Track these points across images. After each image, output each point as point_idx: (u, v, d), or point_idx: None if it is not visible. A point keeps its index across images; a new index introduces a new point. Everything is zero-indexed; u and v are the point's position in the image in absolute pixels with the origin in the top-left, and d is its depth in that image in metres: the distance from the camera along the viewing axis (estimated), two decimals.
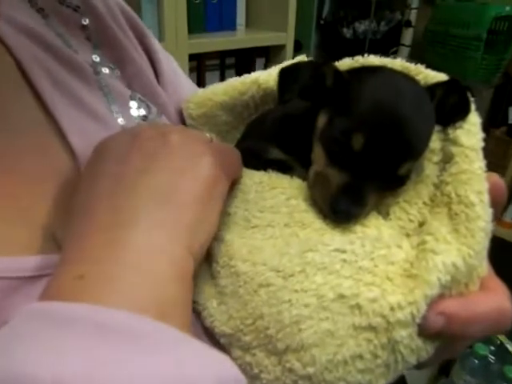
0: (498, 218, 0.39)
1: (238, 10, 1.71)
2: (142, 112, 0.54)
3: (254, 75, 0.58)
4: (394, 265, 0.36)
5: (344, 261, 0.36)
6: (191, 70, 1.57)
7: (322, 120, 0.42)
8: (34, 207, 0.38)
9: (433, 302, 0.34)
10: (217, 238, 0.42)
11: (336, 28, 2.46)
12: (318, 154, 0.42)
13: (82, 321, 0.23)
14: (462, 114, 0.41)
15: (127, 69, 0.55)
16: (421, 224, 0.41)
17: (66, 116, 0.44)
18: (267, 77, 0.58)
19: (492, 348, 1.61)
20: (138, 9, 1.42)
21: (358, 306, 0.34)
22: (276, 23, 1.76)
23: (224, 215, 0.42)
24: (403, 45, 2.42)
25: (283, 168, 0.47)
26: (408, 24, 2.38)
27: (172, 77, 0.62)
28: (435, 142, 0.42)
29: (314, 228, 0.39)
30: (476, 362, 1.58)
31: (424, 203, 0.41)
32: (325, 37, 2.45)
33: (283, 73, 0.42)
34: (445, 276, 0.34)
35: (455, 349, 0.41)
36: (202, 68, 1.67)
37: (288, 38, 1.74)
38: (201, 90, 0.60)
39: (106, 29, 0.54)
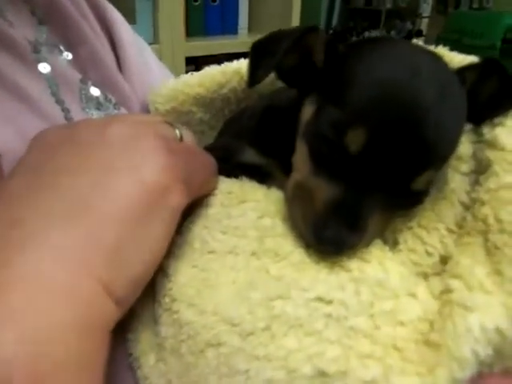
0: None
1: (240, 13, 1.61)
2: (95, 100, 0.42)
3: (236, 64, 0.46)
4: (404, 326, 0.23)
5: (329, 316, 0.24)
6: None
7: (307, 111, 0.30)
8: None
9: None
10: (161, 266, 0.30)
11: (345, 37, 2.35)
12: (301, 158, 0.29)
13: None
14: (503, 106, 0.28)
15: (80, 52, 0.44)
16: (443, 259, 0.28)
17: None
18: None
19: None
20: (132, 9, 1.34)
21: None
22: (280, 27, 1.64)
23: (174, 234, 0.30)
24: None
25: (261, 175, 0.34)
26: (419, 33, 2.26)
27: (140, 67, 0.51)
28: (464, 146, 0.30)
29: (291, 262, 0.27)
30: None
31: (448, 229, 0.28)
32: None
33: (257, 45, 0.30)
34: (484, 348, 0.21)
35: None
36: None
37: None
38: (172, 81, 0.48)
39: (57, 4, 0.43)
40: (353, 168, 0.26)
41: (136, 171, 0.26)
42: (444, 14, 2.16)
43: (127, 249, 0.24)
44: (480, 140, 0.29)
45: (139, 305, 0.31)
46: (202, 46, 1.43)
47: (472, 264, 0.25)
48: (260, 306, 0.25)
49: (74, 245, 0.22)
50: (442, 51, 0.33)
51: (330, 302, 0.24)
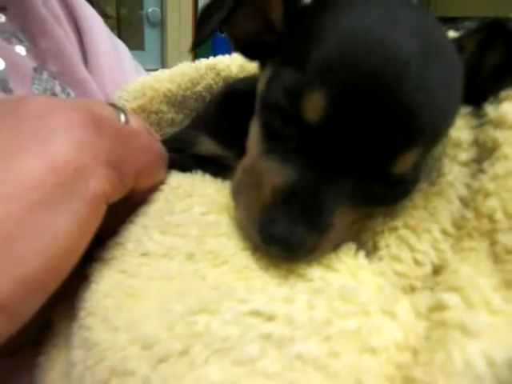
0: None
1: None
2: (49, 92, 0.38)
3: (211, 60, 0.42)
4: (375, 355, 0.16)
5: (268, 338, 0.16)
6: None
7: (262, 80, 0.24)
8: None
9: None
10: (85, 272, 0.24)
11: None
12: (253, 138, 0.23)
13: None
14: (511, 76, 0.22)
15: (41, 43, 0.42)
16: (436, 269, 0.21)
17: None
18: (229, 62, 0.42)
19: None
20: (140, 36, 1.34)
21: None
22: None
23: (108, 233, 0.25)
24: None
25: (219, 167, 0.28)
26: None
27: (114, 65, 0.47)
28: (462, 132, 0.23)
29: (234, 267, 0.20)
30: None
31: (443, 232, 0.21)
32: None
33: (205, 6, 0.25)
34: None
35: None
36: None
37: None
38: (142, 77, 0.43)
39: None
40: (312, 145, 0.19)
41: (44, 147, 0.20)
42: None
43: (19, 240, 0.18)
44: (483, 123, 0.23)
45: (57, 321, 0.25)
46: None
47: (474, 275, 0.18)
48: (179, 321, 0.18)
49: None
50: None
51: (270, 319, 0.17)
